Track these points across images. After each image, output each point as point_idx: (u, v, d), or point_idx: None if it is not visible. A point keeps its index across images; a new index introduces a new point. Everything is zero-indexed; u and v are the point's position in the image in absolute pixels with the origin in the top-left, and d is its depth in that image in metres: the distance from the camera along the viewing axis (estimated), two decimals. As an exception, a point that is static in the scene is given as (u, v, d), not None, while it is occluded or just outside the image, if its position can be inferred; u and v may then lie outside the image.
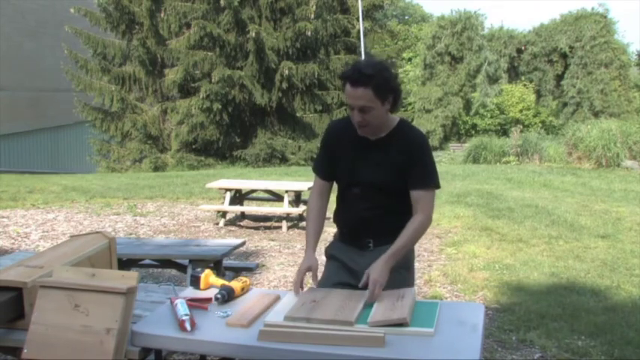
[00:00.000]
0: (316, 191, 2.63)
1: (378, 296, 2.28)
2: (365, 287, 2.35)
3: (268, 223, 7.66)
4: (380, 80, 2.31)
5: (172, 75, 18.36)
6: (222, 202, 7.71)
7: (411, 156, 2.41)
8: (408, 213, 2.47)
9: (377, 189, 2.45)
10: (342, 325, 2.09)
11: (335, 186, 2.64)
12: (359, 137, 2.46)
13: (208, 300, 2.37)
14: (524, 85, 25.88)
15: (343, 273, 2.55)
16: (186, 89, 18.53)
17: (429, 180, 2.45)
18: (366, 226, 2.50)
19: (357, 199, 2.50)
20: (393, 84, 2.38)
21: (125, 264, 4.40)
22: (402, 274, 2.52)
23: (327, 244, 2.68)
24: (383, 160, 2.43)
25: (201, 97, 17.52)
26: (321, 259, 2.58)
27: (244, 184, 8.25)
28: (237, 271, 5.09)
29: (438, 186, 2.48)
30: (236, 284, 2.46)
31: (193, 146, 18.86)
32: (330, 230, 2.72)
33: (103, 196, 9.70)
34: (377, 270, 2.33)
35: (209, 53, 17.94)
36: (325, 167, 2.60)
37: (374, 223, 2.48)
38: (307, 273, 2.49)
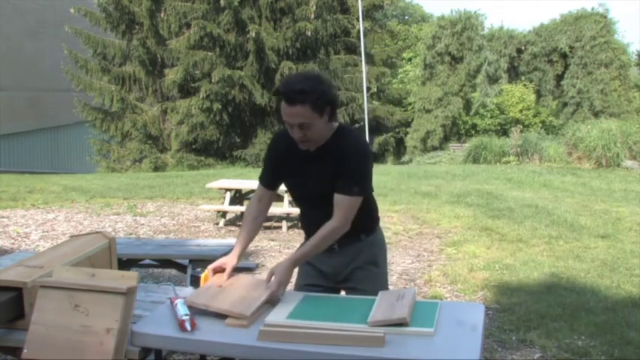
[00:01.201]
0: (256, 197, 2.65)
1: (279, 295, 2.32)
2: (334, 288, 2.54)
3: (268, 223, 7.65)
4: (316, 95, 2.28)
5: (172, 75, 18.37)
6: (222, 202, 7.71)
7: (340, 162, 2.39)
8: (364, 212, 2.47)
9: (325, 199, 2.43)
10: (237, 318, 2.14)
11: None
12: (301, 150, 2.45)
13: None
14: (524, 85, 25.86)
15: (312, 275, 2.60)
16: (186, 89, 18.54)
17: (352, 186, 2.39)
18: None
19: (311, 209, 2.54)
20: (329, 96, 2.34)
21: (125, 264, 4.40)
22: (369, 270, 2.56)
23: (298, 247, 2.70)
24: (322, 170, 2.42)
25: (201, 97, 17.53)
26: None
27: (244, 184, 8.24)
28: (237, 271, 5.08)
29: (362, 193, 2.42)
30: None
31: (193, 146, 18.87)
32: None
33: (103, 196, 9.70)
34: (281, 270, 2.36)
35: (209, 53, 17.94)
36: (268, 177, 2.61)
37: None
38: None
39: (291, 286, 2.58)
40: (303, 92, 2.26)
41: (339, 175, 2.38)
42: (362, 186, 2.41)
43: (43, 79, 19.51)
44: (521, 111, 24.78)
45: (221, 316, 2.20)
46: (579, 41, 24.26)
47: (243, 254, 2.60)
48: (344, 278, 2.58)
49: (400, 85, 29.63)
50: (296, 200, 2.65)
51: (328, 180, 2.40)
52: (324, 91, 2.31)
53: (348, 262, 2.55)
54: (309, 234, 2.59)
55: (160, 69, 18.94)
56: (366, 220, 2.54)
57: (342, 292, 2.63)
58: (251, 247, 6.45)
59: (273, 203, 8.80)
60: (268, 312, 2.26)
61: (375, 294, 2.35)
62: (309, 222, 2.57)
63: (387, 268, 2.75)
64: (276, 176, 2.60)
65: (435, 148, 23.78)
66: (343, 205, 2.39)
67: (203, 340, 2.10)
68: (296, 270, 2.54)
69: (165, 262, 4.75)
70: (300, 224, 2.72)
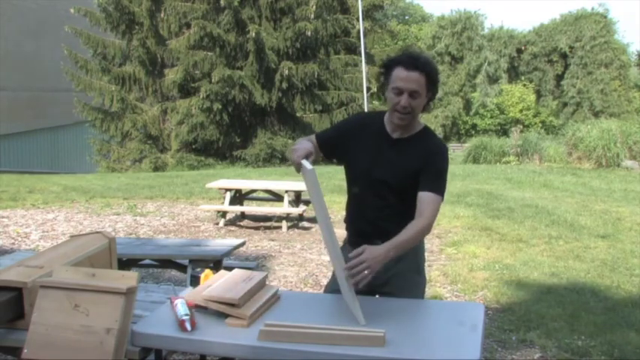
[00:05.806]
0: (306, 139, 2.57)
1: (359, 275, 2.15)
2: (369, 292, 2.40)
3: (268, 223, 7.66)
4: (432, 69, 2.37)
5: (172, 75, 18.37)
6: (222, 202, 7.72)
7: (427, 160, 2.39)
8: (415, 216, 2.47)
9: (389, 188, 2.42)
10: (237, 317, 2.16)
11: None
12: (381, 133, 2.46)
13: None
14: (524, 85, 25.90)
15: None
16: (186, 89, 18.54)
17: (439, 186, 2.39)
18: (375, 225, 2.47)
19: (369, 196, 2.48)
20: (438, 80, 2.43)
21: (125, 264, 4.40)
22: (411, 278, 2.52)
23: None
24: (399, 161, 2.42)
25: (201, 97, 17.52)
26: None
27: (244, 184, 8.25)
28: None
29: (443, 196, 2.42)
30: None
31: (193, 146, 18.87)
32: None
33: (103, 196, 9.70)
34: (374, 254, 2.18)
35: (209, 53, 17.94)
36: (327, 138, 2.58)
37: (383, 223, 2.45)
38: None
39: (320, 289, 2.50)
40: (423, 61, 2.36)
41: (424, 174, 2.37)
42: (444, 189, 2.42)
43: (43, 79, 19.50)
44: (521, 111, 24.82)
45: (221, 315, 2.21)
46: (579, 41, 24.30)
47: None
48: (382, 283, 2.47)
49: (400, 85, 29.62)
50: (354, 182, 2.55)
51: (402, 171, 2.40)
52: (437, 71, 2.41)
53: (390, 266, 2.39)
54: (354, 226, 2.57)
55: (160, 69, 18.94)
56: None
57: (376, 295, 2.54)
58: (251, 247, 6.46)
59: (273, 203, 8.76)
60: (268, 312, 2.27)
61: None
62: (361, 212, 2.52)
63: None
64: (335, 144, 2.55)
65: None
66: (430, 203, 2.34)
67: (203, 340, 2.10)
68: (329, 273, 2.49)
69: (166, 262, 4.75)
70: (344, 221, 2.62)
